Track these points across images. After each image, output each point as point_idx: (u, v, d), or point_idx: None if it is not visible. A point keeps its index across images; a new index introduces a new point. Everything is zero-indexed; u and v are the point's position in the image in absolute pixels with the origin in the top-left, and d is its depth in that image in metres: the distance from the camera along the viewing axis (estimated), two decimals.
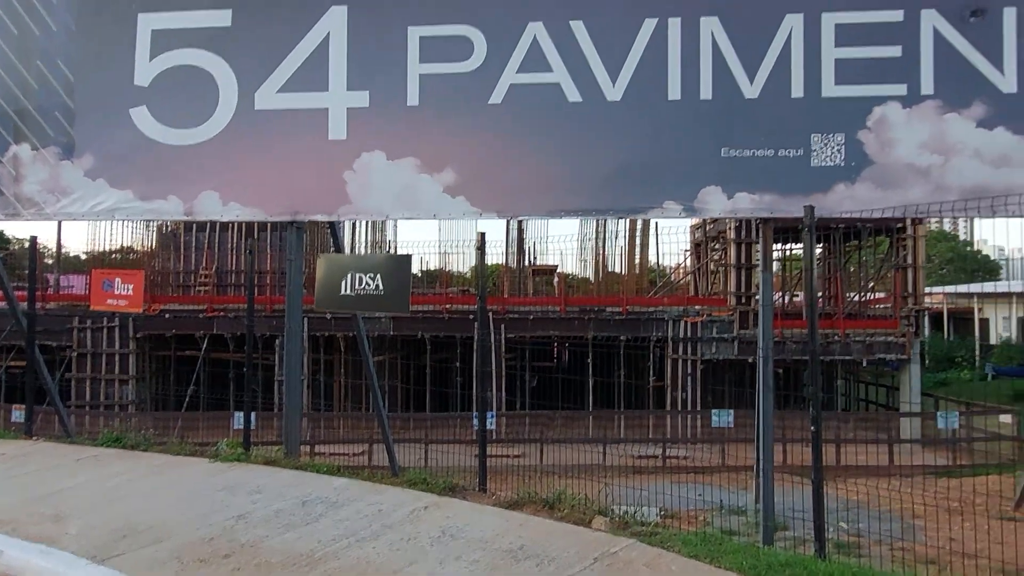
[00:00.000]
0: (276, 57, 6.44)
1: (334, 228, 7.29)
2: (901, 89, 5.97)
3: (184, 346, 18.21)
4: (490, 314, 16.95)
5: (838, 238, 18.89)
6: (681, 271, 23.02)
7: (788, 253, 22.94)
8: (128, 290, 6.74)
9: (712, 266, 21.54)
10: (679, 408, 17.35)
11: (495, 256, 21.50)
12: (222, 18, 6.53)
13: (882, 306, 20.01)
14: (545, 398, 18.72)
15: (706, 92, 6.14)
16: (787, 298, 20.64)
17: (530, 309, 17.99)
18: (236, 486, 5.44)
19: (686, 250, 22.65)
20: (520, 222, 20.13)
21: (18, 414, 13.10)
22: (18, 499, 5.17)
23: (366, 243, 21.07)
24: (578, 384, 18.10)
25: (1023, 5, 5.86)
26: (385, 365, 18.14)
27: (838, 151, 6.02)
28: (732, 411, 14.27)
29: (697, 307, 17.97)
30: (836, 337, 17.12)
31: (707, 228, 21.02)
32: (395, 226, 21.74)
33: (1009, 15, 5.89)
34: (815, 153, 6.03)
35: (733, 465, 13.54)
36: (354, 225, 19.97)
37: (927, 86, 5.94)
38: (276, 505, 4.96)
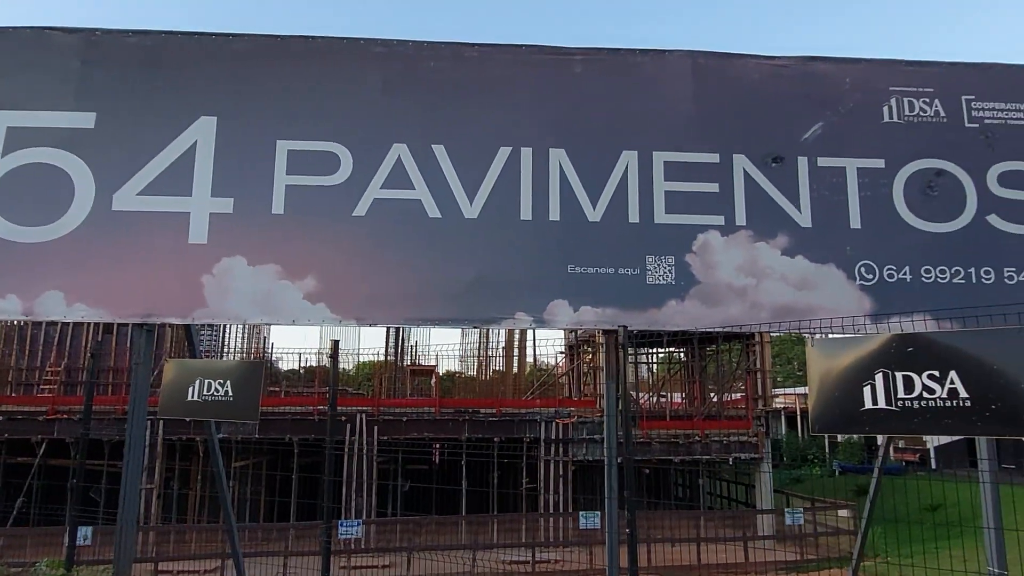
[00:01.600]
0: (140, 160, 6.50)
1: (189, 332, 7.15)
2: (720, 219, 6.85)
3: (18, 452, 16.45)
4: (363, 416, 16.65)
5: (696, 343, 20.28)
6: (557, 372, 23.72)
7: (655, 356, 24.29)
8: None
9: (584, 368, 22.38)
10: (551, 510, 17.43)
11: (374, 355, 21.34)
12: (86, 120, 6.55)
13: (740, 407, 21.43)
14: (419, 503, 18.31)
15: (554, 214, 6.76)
16: (655, 398, 21.69)
17: (405, 410, 17.83)
18: None
19: (561, 352, 23.48)
20: None
21: None
22: None
23: (241, 348, 20.36)
24: (453, 489, 17.86)
25: (812, 155, 7.01)
26: (249, 470, 17.19)
27: (669, 271, 6.75)
28: (599, 513, 14.55)
29: (570, 408, 18.48)
30: (697, 437, 18.06)
31: (578, 332, 21.99)
32: (268, 331, 21.24)
33: (802, 162, 7.00)
34: (650, 272, 6.73)
35: (601, 567, 13.67)
36: (228, 330, 19.34)
37: (740, 218, 6.86)
38: None
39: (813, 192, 6.94)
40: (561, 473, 17.76)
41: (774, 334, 13.67)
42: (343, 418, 16.75)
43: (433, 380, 21.23)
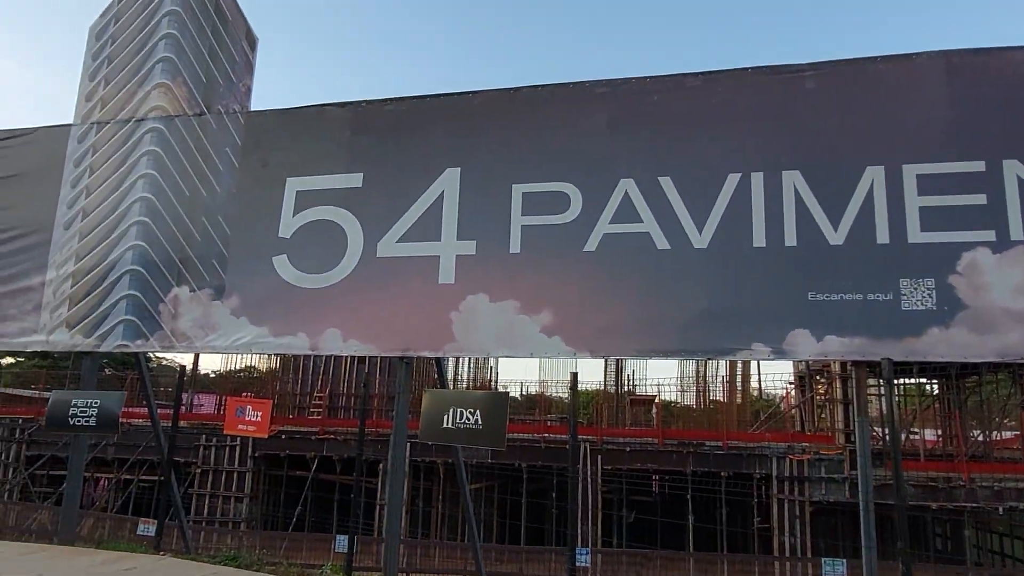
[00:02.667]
0: (398, 211, 7.39)
1: (439, 364, 7.89)
2: (990, 235, 6.08)
3: (295, 466, 19.09)
4: (586, 445, 16.90)
5: (954, 372, 17.80)
6: (785, 404, 22.15)
7: (903, 388, 21.69)
8: (257, 417, 7.51)
9: (818, 400, 20.64)
10: (787, 554, 16.19)
11: (593, 384, 21.65)
12: (355, 180, 7.62)
13: (1014, 448, 18.34)
14: (643, 536, 18.03)
15: (791, 239, 6.47)
16: (903, 436, 19.32)
17: (627, 440, 17.76)
18: None
19: (790, 382, 21.90)
20: None
21: (144, 527, 14.10)
22: None
23: (468, 378, 21.86)
24: (678, 523, 17.37)
25: None
26: (482, 493, 18.21)
27: (929, 295, 6.10)
28: (845, 561, 13.20)
29: (803, 444, 17.14)
30: (960, 481, 15.76)
31: (810, 361, 20.37)
32: (496, 362, 22.52)
33: None
34: (905, 297, 6.14)
35: None
36: (457, 361, 20.89)
37: (1016, 231, 6.03)
38: None
39: None
40: (798, 514, 16.46)
41: None
42: (567, 446, 17.15)
43: (654, 411, 20.94)
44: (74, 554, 7.28)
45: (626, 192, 6.92)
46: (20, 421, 20.36)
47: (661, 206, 6.80)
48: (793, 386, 22.09)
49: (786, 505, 16.62)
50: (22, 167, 8.82)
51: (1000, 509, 15.97)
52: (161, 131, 8.40)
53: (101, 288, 8.14)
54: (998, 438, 19.03)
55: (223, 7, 8.89)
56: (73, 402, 7.78)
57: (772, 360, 6.65)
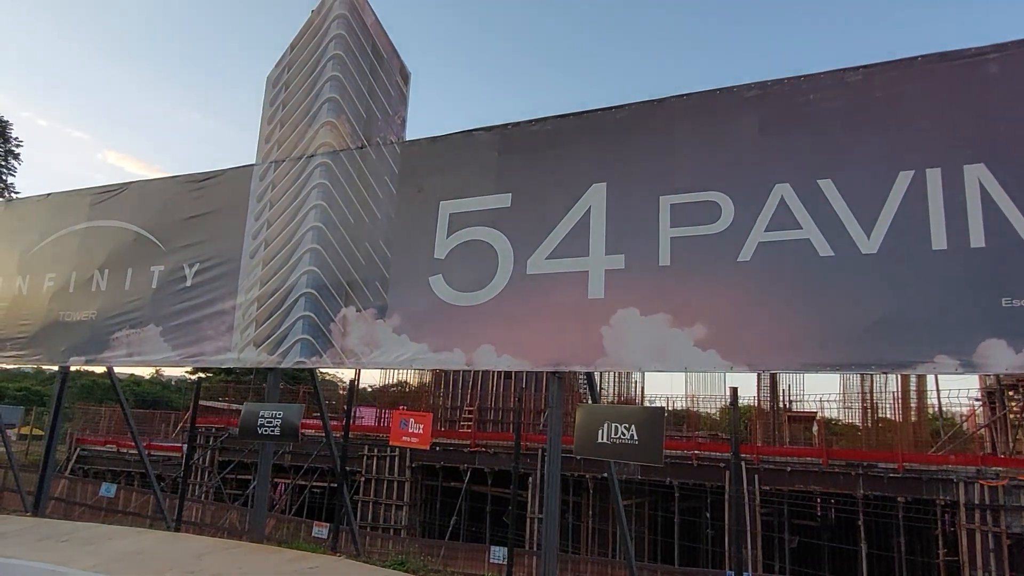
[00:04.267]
0: (546, 229, 7.53)
1: (591, 379, 7.91)
2: None
3: (449, 477, 19.85)
4: (743, 463, 16.14)
5: None
6: (971, 423, 19.89)
7: None
8: (419, 429, 7.92)
9: (1013, 418, 18.34)
10: None
11: (746, 399, 20.69)
12: (503, 201, 7.87)
13: None
14: (809, 563, 16.88)
15: (977, 240, 5.86)
16: None
17: (787, 460, 16.75)
18: None
19: (976, 399, 19.66)
20: None
21: (317, 530, 15.24)
22: None
23: (612, 392, 21.68)
24: (847, 549, 16.08)
25: None
26: (632, 510, 17.91)
27: None
28: None
29: (995, 468, 15.28)
30: None
31: (1001, 375, 18.18)
32: (642, 376, 22.18)
33: None
34: None
35: None
36: (601, 375, 20.79)
37: None
38: None
39: None
40: (992, 547, 14.67)
41: None
42: (722, 464, 16.49)
43: (816, 428, 19.59)
44: (264, 551, 8.03)
45: (782, 197, 6.60)
46: (213, 430, 22.80)
47: (822, 210, 6.41)
48: (980, 403, 19.80)
49: (978, 536, 14.88)
50: (215, 205, 9.96)
51: None
52: (328, 165, 9.17)
53: (281, 310, 8.98)
54: None
55: (379, 47, 9.57)
56: (261, 413, 8.62)
57: (960, 374, 6.04)
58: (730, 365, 6.51)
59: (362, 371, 23.47)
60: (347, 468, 19.04)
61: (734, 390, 6.14)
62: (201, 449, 22.24)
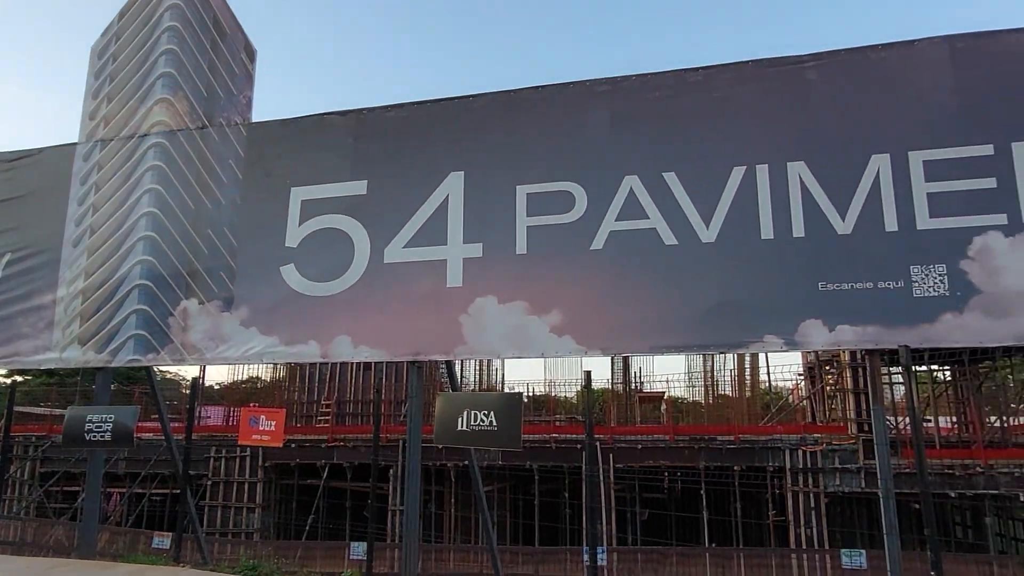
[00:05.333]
0: (404, 217, 7.40)
1: (450, 367, 7.89)
2: (1001, 218, 6.05)
3: (306, 475, 19.11)
4: (597, 444, 16.86)
5: (966, 358, 17.72)
6: (795, 396, 22.08)
7: (915, 376, 21.58)
8: (271, 426, 7.52)
9: (829, 390, 20.58)
10: (804, 546, 16.12)
11: (601, 382, 21.64)
12: (359, 188, 7.63)
13: None
14: (658, 532, 17.99)
15: (798, 230, 6.46)
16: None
17: (638, 438, 17.72)
18: None
19: (799, 374, 21.84)
20: None
21: (159, 540, 14.12)
22: None
23: (473, 380, 21.85)
24: (692, 518, 17.33)
25: None
26: (494, 496, 18.19)
27: (940, 281, 6.08)
28: (864, 551, 13.17)
29: (815, 435, 17.07)
30: (978, 468, 15.68)
31: (820, 352, 20.31)
32: (502, 363, 22.53)
33: None
34: (916, 284, 6.12)
35: None
36: (462, 363, 20.89)
37: None
38: None
39: None
40: (813, 505, 16.39)
41: None
42: (579, 446, 17.13)
43: (664, 407, 20.88)
44: (96, 568, 7.29)
45: (631, 189, 6.92)
46: (33, 439, 20.43)
47: (667, 202, 6.79)
48: (802, 378, 22.03)
49: (801, 497, 16.56)
50: (29, 187, 8.85)
51: (1021, 495, 15.88)
52: (164, 146, 8.43)
53: (111, 304, 8.17)
54: (1015, 423, 18.93)
55: (221, 21, 8.91)
56: (88, 418, 7.80)
57: (785, 351, 6.64)
58: (584, 350, 6.75)
59: (208, 368, 21.99)
60: (191, 472, 17.81)
61: (587, 373, 6.36)
62: (18, 460, 19.85)
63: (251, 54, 8.93)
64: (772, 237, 6.49)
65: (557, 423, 19.38)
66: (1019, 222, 6.00)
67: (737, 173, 6.67)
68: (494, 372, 23.43)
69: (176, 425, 15.23)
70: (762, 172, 6.63)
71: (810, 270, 6.37)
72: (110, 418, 7.86)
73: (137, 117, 8.60)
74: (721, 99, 6.98)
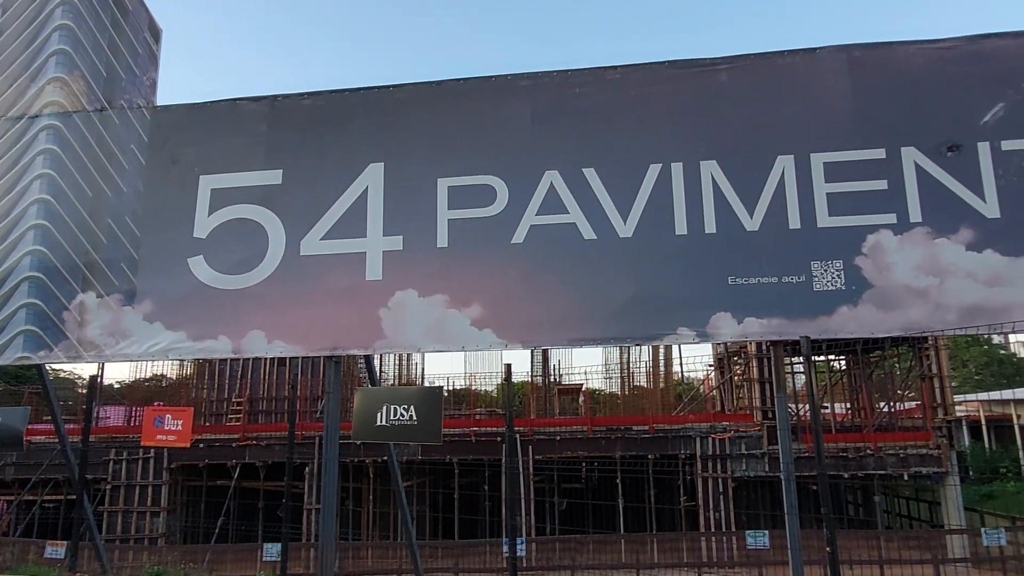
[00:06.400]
0: (321, 208, 7.20)
1: (369, 362, 7.74)
2: (891, 218, 6.49)
3: (215, 476, 18.35)
4: (517, 436, 17.02)
5: (859, 349, 18.95)
6: (706, 386, 23.00)
7: (814, 365, 22.88)
8: (177, 425, 7.17)
9: (736, 380, 21.55)
10: (713, 529, 16.86)
11: (521, 375, 21.81)
12: (274, 177, 7.36)
13: (916, 417, 19.72)
14: (575, 521, 18.35)
15: (710, 226, 6.71)
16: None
17: (557, 430, 18.00)
18: None
19: (710, 365, 22.76)
20: None
21: (51, 550, 13.21)
22: None
23: (393, 375, 21.57)
24: (608, 506, 17.78)
25: (994, 139, 6.47)
26: (414, 491, 18.05)
27: (838, 276, 6.47)
28: (767, 532, 13.87)
29: (724, 423, 17.86)
30: (868, 450, 16.82)
31: (728, 344, 21.24)
32: (422, 357, 22.34)
33: (983, 148, 6.49)
34: (816, 279, 6.48)
35: None
36: (381, 358, 20.56)
37: (915, 214, 6.46)
38: None
39: (1000, 180, 6.40)
40: (721, 490, 17.16)
41: (948, 335, 12.55)
42: (499, 439, 17.23)
43: (582, 399, 21.30)
44: None
45: (551, 184, 6.99)
46: None
47: (586, 197, 6.90)
48: (712, 368, 22.96)
49: (710, 482, 17.29)
50: None
51: (905, 475, 17.14)
52: (58, 128, 7.85)
53: None
54: (902, 408, 20.41)
55: None
56: None
57: (697, 343, 6.88)
58: (505, 343, 6.79)
59: (107, 365, 20.74)
60: (88, 476, 16.76)
61: (507, 367, 6.41)
62: None
63: (156, 34, 8.45)
64: (686, 233, 6.71)
65: (478, 416, 19.41)
66: (907, 221, 6.46)
67: (653, 170, 6.86)
68: (414, 367, 23.22)
69: (72, 427, 14.28)
70: (677, 170, 6.84)
71: (720, 265, 6.63)
72: None
73: (27, 96, 7.97)
74: (638, 97, 7.15)
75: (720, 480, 17.32)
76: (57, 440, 8.70)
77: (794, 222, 6.61)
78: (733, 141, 6.88)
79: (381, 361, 21.60)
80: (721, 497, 17.15)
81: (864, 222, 6.52)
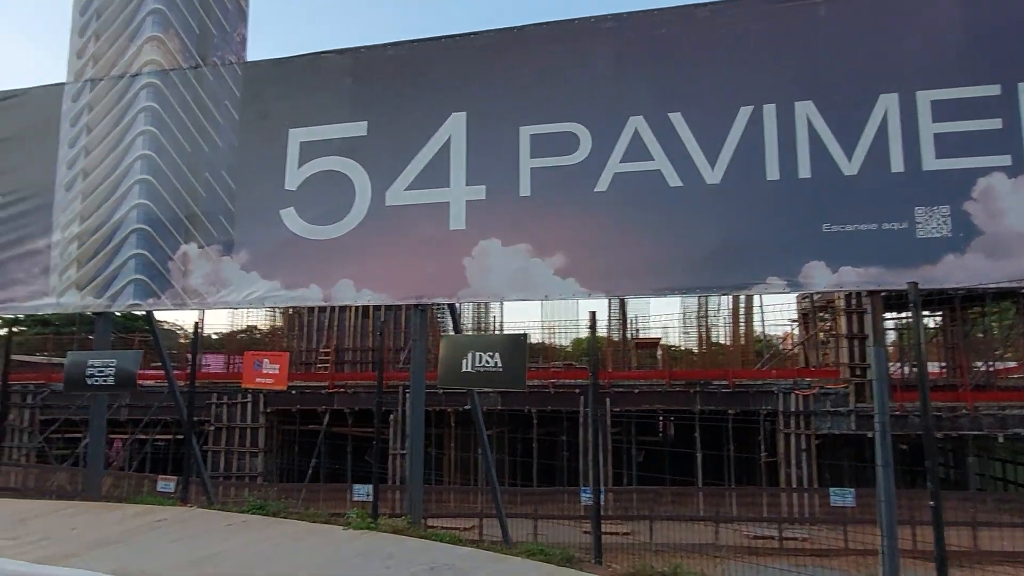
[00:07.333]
0: (405, 159, 7.29)
1: (452, 310, 7.91)
2: (1005, 160, 6.02)
3: (306, 421, 19.36)
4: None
5: (958, 304, 17.91)
6: (789, 342, 22.35)
7: (904, 321, 21.84)
8: (275, 369, 7.56)
9: (822, 336, 20.83)
10: (794, 485, 16.58)
11: (599, 330, 21.80)
12: (359, 129, 7.49)
13: (1015, 376, 18.60)
14: (652, 473, 18.43)
15: (804, 171, 6.41)
16: (906, 369, 19.55)
17: (635, 382, 17.99)
18: (369, 552, 5.81)
19: (793, 320, 22.07)
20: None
21: (163, 484, 14.35)
22: (185, 560, 5.78)
23: (471, 325, 21.94)
24: (685, 459, 17.74)
25: None
26: (493, 438, 18.51)
27: (944, 222, 6.08)
28: (852, 490, 13.52)
29: (808, 379, 17.36)
30: (964, 410, 16.02)
31: (814, 297, 20.48)
32: (501, 307, 22.59)
33: None
34: (920, 225, 6.12)
35: (857, 549, 12.76)
36: (458, 307, 20.95)
37: None
38: (408, 570, 5.25)
39: None
40: (804, 447, 16.80)
41: None
42: (577, 391, 17.38)
43: (660, 352, 21.13)
44: (103, 509, 7.43)
45: (636, 130, 6.82)
46: (31, 387, 20.51)
47: (672, 143, 6.71)
48: (796, 323, 22.26)
49: (792, 439, 16.94)
50: (17, 129, 8.65)
51: (1000, 437, 16.28)
52: (157, 86, 8.22)
53: (108, 248, 8.09)
54: (1001, 368, 19.28)
55: None
56: (89, 363, 7.82)
57: (788, 292, 6.67)
58: (588, 292, 6.77)
59: (205, 316, 22.00)
60: (196, 418, 17.99)
61: (592, 314, 6.38)
62: (17, 408, 19.98)
63: None
64: (778, 178, 6.44)
65: (554, 369, 19.60)
66: (1022, 163, 5.97)
67: (744, 113, 6.57)
68: (492, 318, 23.52)
69: (177, 372, 15.30)
70: (769, 112, 6.54)
71: (815, 211, 6.34)
72: (112, 363, 7.88)
73: (127, 56, 8.36)
74: (729, 36, 6.83)
75: (803, 437, 16.94)
76: (165, 383, 9.35)
77: (897, 165, 6.23)
78: (831, 79, 6.50)
79: (458, 311, 22.01)
80: (804, 454, 16.79)
81: (975, 164, 6.07)
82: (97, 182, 8.22)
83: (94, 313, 8.37)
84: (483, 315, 23.48)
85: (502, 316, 23.19)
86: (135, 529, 6.58)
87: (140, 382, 18.22)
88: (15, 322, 29.30)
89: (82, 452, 17.32)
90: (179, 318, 30.19)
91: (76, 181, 8.31)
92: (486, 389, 7.20)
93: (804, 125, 6.45)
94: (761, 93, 6.58)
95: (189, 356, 21.18)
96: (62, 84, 8.58)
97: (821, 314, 20.76)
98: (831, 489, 14.21)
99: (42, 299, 8.32)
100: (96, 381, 7.87)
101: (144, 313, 8.95)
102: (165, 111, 8.14)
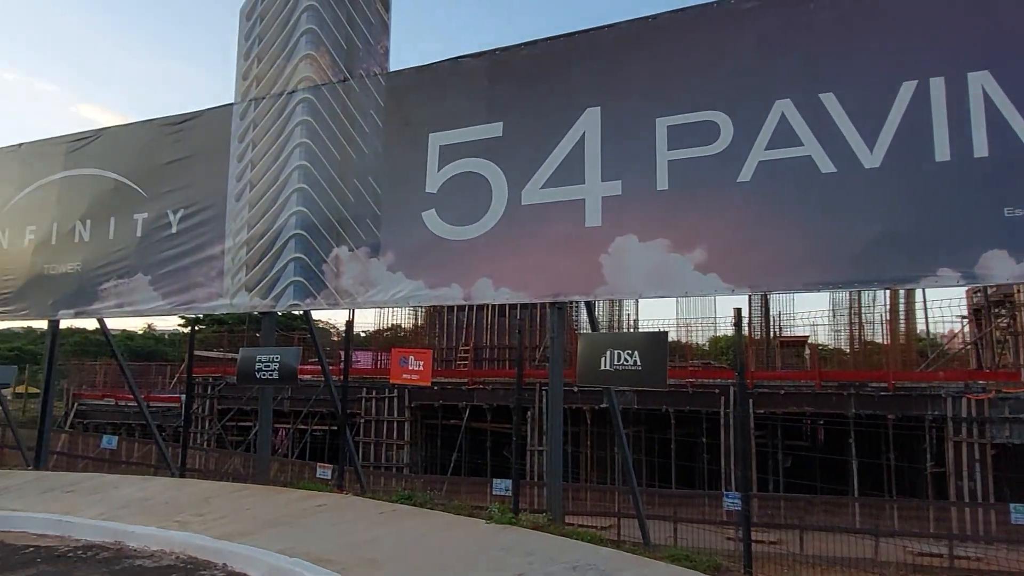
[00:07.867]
0: (540, 157, 7.34)
1: (590, 308, 7.87)
2: None
3: (448, 415, 20.10)
4: (736, 388, 16.38)
5: None
6: (958, 341, 20.23)
7: None
8: (419, 366, 7.90)
9: (998, 335, 18.66)
10: (966, 499, 14.97)
11: (742, 328, 20.86)
12: (495, 130, 7.64)
13: None
14: (800, 477, 17.37)
15: (981, 149, 5.75)
16: None
17: (780, 383, 17.03)
18: (511, 547, 5.88)
19: (963, 317, 19.94)
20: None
21: (322, 471, 15.45)
22: (344, 543, 6.17)
23: (605, 323, 21.77)
24: (837, 466, 16.55)
25: None
26: (630, 437, 18.25)
27: None
28: None
29: (982, 382, 15.62)
30: None
31: (988, 292, 18.39)
32: (636, 304, 22.24)
33: None
34: None
35: None
36: (594, 305, 20.86)
37: None
38: (549, 568, 5.25)
39: None
40: (977, 457, 15.12)
41: None
42: (716, 390, 16.76)
43: (808, 351, 19.85)
44: (271, 492, 8.10)
45: (782, 114, 6.42)
46: (210, 379, 22.85)
47: (824, 126, 6.25)
48: (967, 320, 20.11)
49: (964, 448, 15.32)
50: (194, 148, 9.64)
51: None
52: (311, 100, 8.84)
53: (271, 253, 8.81)
54: None
55: None
56: (258, 358, 8.55)
57: (962, 286, 6.01)
58: (731, 288, 6.47)
59: (355, 316, 23.41)
60: (348, 411, 19.21)
61: (738, 311, 6.09)
62: (200, 398, 22.33)
63: (386, 3, 9.08)
64: (948, 159, 5.82)
65: (692, 367, 19.00)
66: None
67: (907, 89, 6.00)
68: (626, 316, 23.21)
69: (331, 368, 16.41)
70: (937, 86, 5.92)
71: (994, 194, 5.67)
72: (277, 358, 8.57)
73: (285, 74, 9.06)
74: (886, 6, 6.27)
75: (977, 446, 15.26)
76: (322, 378, 10.04)
77: None
78: (1012, 46, 5.78)
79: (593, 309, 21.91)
80: (977, 464, 15.13)
81: None
82: (262, 192, 8.98)
83: (260, 312, 9.15)
84: (617, 313, 23.21)
85: (636, 313, 22.83)
86: (299, 512, 7.11)
87: (299, 376, 19.72)
88: (196, 321, 32.66)
89: (252, 439, 19.03)
90: (331, 317, 32.62)
91: (244, 192, 9.12)
92: (624, 388, 7.08)
93: (979, 98, 5.78)
94: (926, 65, 5.98)
95: (342, 353, 22.58)
96: (231, 104, 9.46)
97: (997, 310, 18.59)
98: (1012, 505, 12.71)
99: (217, 300, 9.21)
100: (263, 375, 8.59)
101: (302, 312, 9.64)
102: (318, 123, 8.74)
